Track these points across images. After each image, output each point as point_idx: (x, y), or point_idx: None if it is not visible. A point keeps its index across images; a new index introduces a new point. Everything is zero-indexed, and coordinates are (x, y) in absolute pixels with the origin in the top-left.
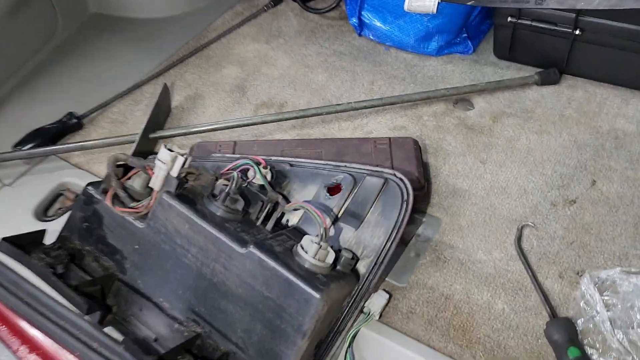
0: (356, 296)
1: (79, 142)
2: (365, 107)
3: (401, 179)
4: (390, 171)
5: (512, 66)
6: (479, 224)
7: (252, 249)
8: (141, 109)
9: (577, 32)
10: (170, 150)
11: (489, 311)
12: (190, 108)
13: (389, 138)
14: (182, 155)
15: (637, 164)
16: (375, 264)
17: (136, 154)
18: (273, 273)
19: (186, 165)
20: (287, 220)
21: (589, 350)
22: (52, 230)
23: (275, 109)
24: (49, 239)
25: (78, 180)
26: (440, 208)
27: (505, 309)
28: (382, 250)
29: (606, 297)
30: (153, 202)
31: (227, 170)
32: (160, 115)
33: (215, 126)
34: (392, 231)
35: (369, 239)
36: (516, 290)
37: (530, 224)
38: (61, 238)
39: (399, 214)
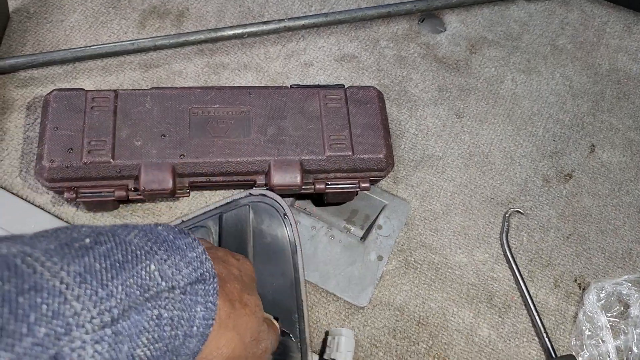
0: None
1: None
2: (304, 27)
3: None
4: (244, 194)
5: None
6: (458, 209)
7: None
8: None
9: None
10: None
11: (472, 340)
12: (39, 14)
13: (344, 89)
14: None
15: None
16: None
17: None
18: None
19: None
20: None
21: None
22: None
23: (171, 20)
24: None
25: None
26: (407, 186)
27: (491, 336)
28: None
29: (614, 319)
30: None
31: None
32: None
33: (83, 53)
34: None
35: None
36: (505, 308)
37: (519, 210)
38: None
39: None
